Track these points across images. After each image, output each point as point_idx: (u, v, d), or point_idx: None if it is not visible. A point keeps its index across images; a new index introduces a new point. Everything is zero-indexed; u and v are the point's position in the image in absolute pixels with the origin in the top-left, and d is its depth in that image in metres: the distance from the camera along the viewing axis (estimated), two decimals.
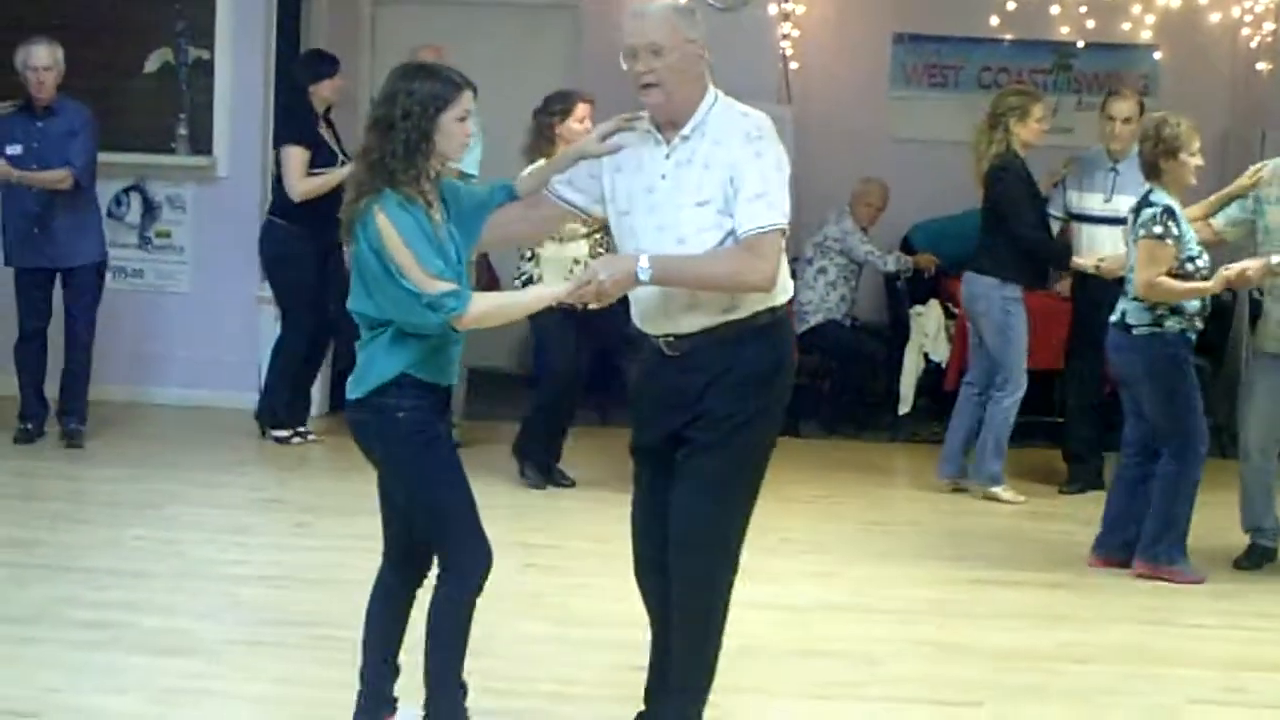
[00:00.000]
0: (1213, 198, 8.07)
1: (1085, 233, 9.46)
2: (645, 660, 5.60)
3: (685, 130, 5.09)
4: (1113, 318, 7.79)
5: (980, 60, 12.24)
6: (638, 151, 5.17)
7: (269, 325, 10.31)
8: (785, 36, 11.56)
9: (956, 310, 10.73)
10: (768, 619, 6.69)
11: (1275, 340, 7.91)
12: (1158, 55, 11.42)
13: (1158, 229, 7.46)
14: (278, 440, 9.81)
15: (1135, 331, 7.65)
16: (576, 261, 8.42)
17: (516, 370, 11.93)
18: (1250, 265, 7.62)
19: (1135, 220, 7.66)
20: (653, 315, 5.13)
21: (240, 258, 10.42)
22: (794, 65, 11.82)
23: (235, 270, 10.49)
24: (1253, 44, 10.74)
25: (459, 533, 5.13)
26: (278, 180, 9.68)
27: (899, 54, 12.26)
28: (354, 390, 5.07)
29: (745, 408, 5.11)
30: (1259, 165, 8.09)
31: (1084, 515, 8.86)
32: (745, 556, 5.30)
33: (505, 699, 5.77)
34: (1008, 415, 9.27)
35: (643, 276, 4.91)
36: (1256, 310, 8.11)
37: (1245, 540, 8.14)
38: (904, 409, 10.89)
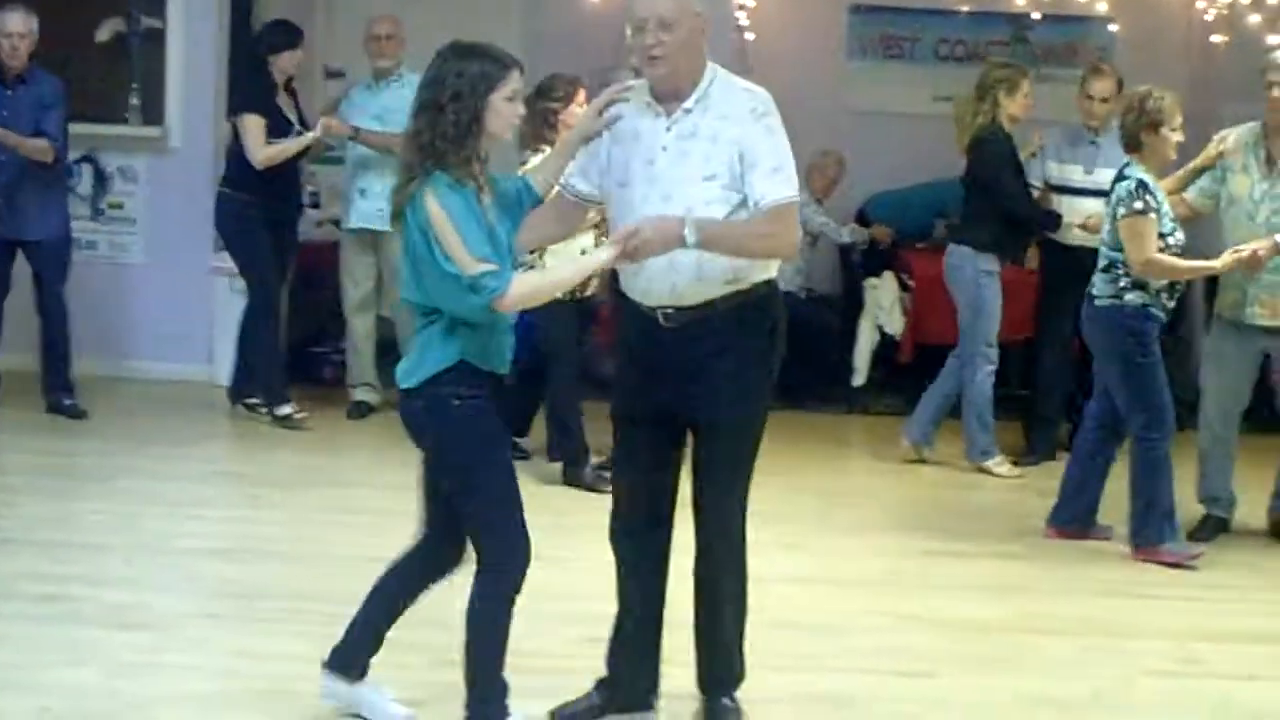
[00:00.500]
0: (1181, 172, 8.07)
1: (1065, 203, 9.45)
2: (602, 631, 5.66)
3: (688, 104, 5.11)
4: (1089, 289, 7.79)
5: (936, 32, 12.24)
6: (634, 123, 5.18)
7: (224, 296, 10.29)
8: (741, 7, 11.52)
9: (911, 283, 10.75)
10: None
11: (1235, 306, 7.94)
12: (1114, 27, 11.43)
13: (1137, 204, 7.44)
14: (249, 409, 9.71)
15: (1097, 303, 7.66)
16: (583, 252, 8.38)
17: None
18: (1260, 245, 7.61)
19: (1112, 191, 7.67)
20: (656, 287, 5.13)
21: (193, 229, 10.36)
22: (750, 36, 11.79)
23: (188, 241, 10.41)
24: (1208, 16, 10.75)
25: (501, 528, 5.14)
26: (232, 151, 9.58)
27: (855, 25, 12.25)
28: (407, 380, 5.03)
29: (751, 380, 5.22)
30: (1222, 134, 8.10)
31: (1040, 486, 8.90)
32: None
33: (462, 672, 5.75)
34: (982, 388, 9.29)
35: (690, 239, 4.92)
36: (1213, 277, 8.15)
37: (1201, 511, 8.19)
38: (858, 381, 10.90)
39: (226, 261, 10.18)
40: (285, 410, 9.54)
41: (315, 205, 10.99)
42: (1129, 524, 7.78)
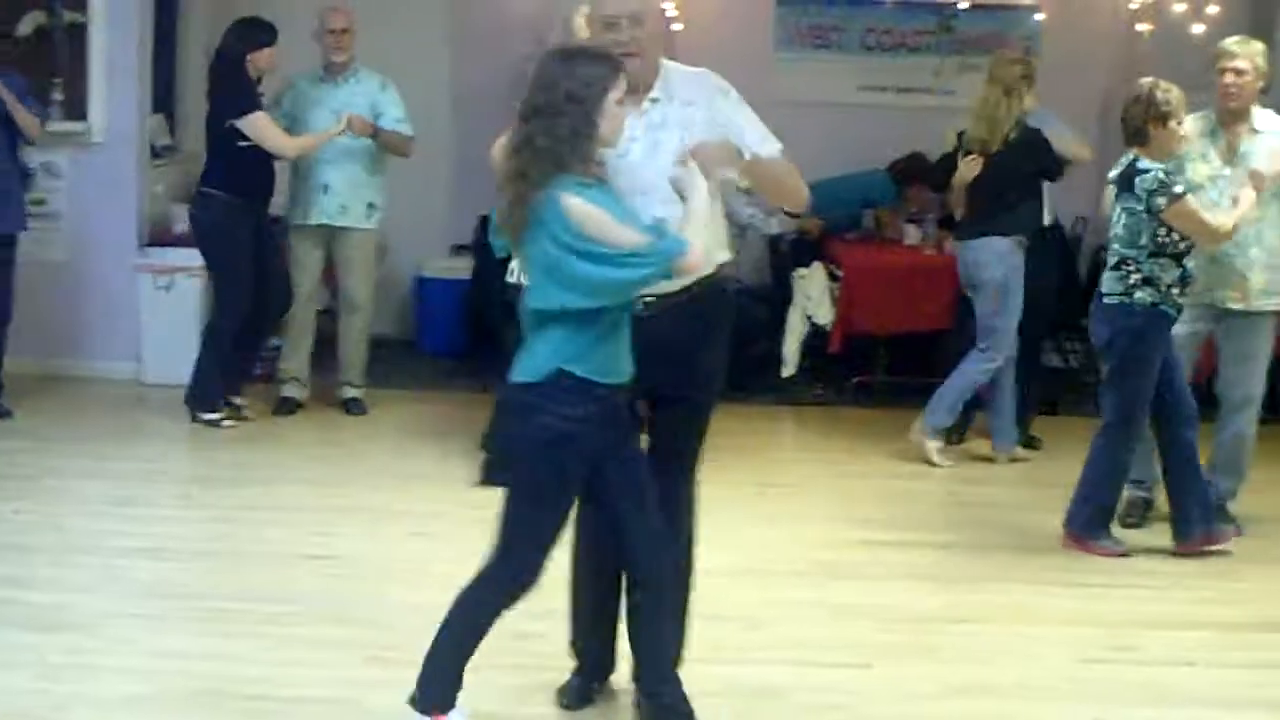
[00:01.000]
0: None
1: None
2: (538, 628, 5.72)
3: (655, 94, 5.18)
4: (1102, 290, 7.69)
5: (864, 22, 12.24)
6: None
7: (149, 294, 10.18)
8: None
9: (840, 273, 10.76)
10: None
11: (1202, 290, 7.95)
12: (1039, 16, 11.47)
13: (1176, 188, 7.38)
14: (208, 424, 9.47)
15: (1106, 300, 7.59)
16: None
17: (399, 336, 11.85)
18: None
19: (1128, 188, 7.52)
20: None
21: (118, 225, 10.28)
22: (678, 27, 11.77)
23: (113, 238, 10.31)
24: (1133, 5, 10.80)
25: (520, 545, 5.12)
26: (215, 153, 9.42)
27: (782, 15, 12.24)
28: (515, 376, 4.99)
29: (722, 361, 5.45)
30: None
31: (969, 475, 8.95)
32: None
33: (398, 669, 5.72)
34: (979, 378, 9.30)
35: (745, 154, 5.20)
36: None
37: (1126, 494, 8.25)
38: (788, 372, 10.90)
39: (152, 258, 10.10)
40: (210, 417, 9.45)
41: None
42: (1069, 508, 7.80)
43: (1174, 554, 7.69)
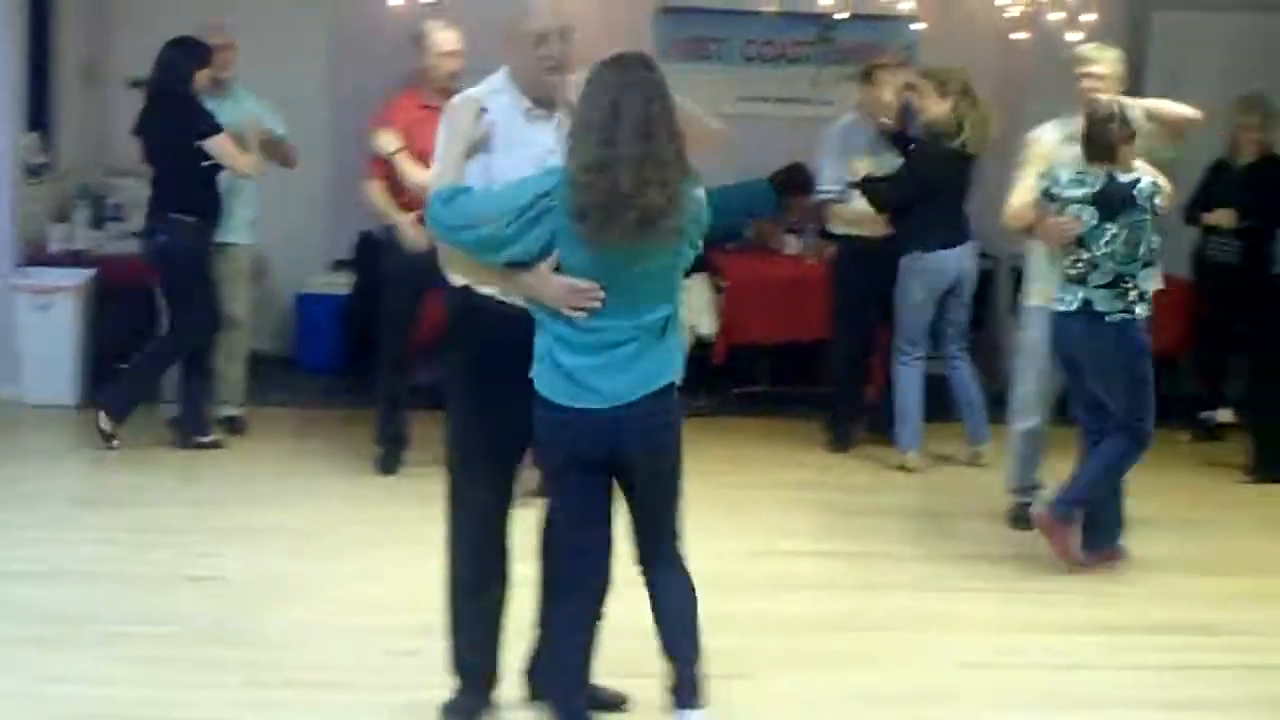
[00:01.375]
0: (1029, 183, 8.04)
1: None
2: (417, 644, 5.80)
3: (561, 111, 5.21)
4: (1069, 307, 7.62)
5: (744, 33, 12.25)
6: (515, 131, 5.24)
7: (26, 314, 10.03)
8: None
9: (724, 284, 10.77)
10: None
11: (1041, 294, 8.03)
12: (918, 26, 11.52)
13: (1167, 190, 7.53)
14: (202, 447, 9.31)
15: (1108, 319, 7.49)
16: None
17: (277, 353, 11.74)
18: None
19: (1124, 205, 7.46)
20: None
21: None
22: None
23: None
24: (1011, 14, 10.87)
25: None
26: (175, 178, 9.24)
27: (663, 27, 12.22)
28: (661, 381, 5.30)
29: None
30: (1035, 135, 8.17)
31: (851, 484, 9.01)
32: (517, 536, 5.51)
33: (276, 690, 5.70)
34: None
35: None
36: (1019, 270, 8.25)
37: (1013, 501, 8.33)
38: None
39: (30, 278, 9.97)
40: (110, 429, 9.32)
41: (118, 219, 10.78)
42: (1063, 493, 7.76)
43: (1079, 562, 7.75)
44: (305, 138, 9.81)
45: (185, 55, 9.24)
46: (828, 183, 9.68)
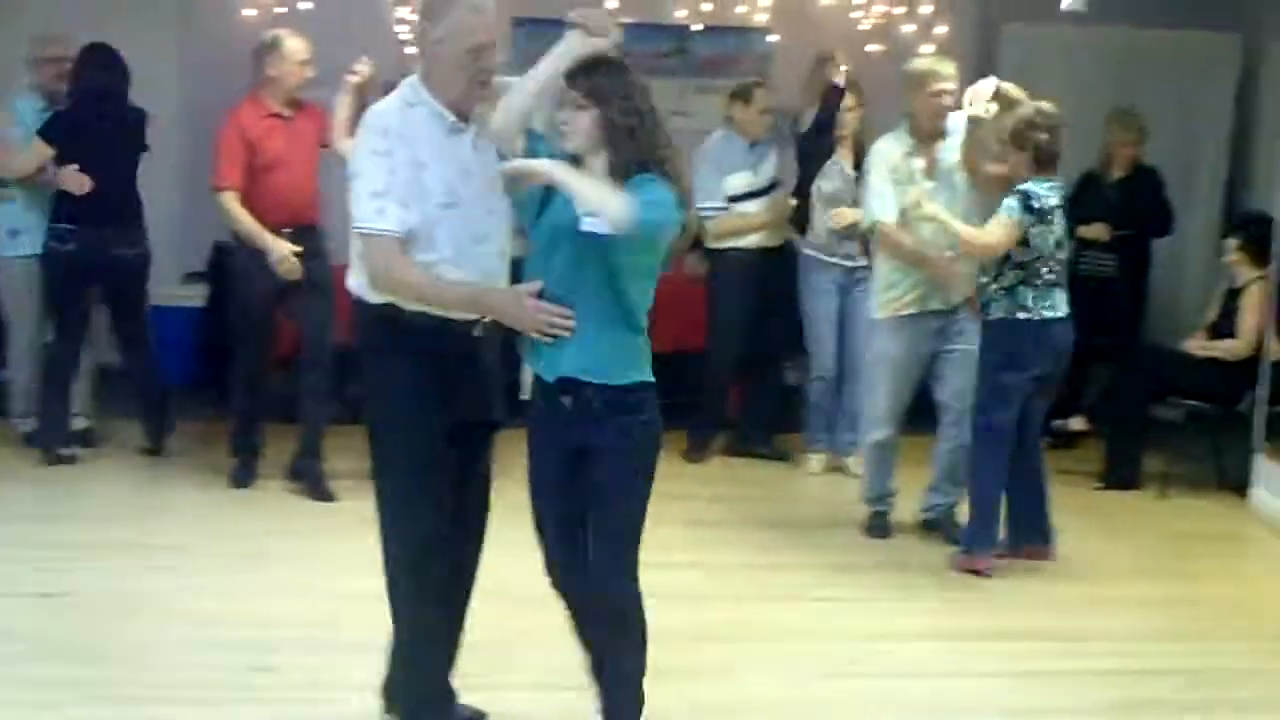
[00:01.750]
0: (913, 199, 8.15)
1: (739, 209, 9.81)
2: (277, 660, 5.81)
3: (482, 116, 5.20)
4: (1060, 311, 7.72)
5: None
6: (438, 142, 5.16)
7: None
8: (402, 20, 11.44)
9: None
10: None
11: (888, 306, 8.10)
12: (773, 38, 11.58)
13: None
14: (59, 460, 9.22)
15: (1068, 317, 7.76)
16: None
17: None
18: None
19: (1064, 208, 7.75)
20: None
21: None
22: (411, 50, 11.70)
23: None
24: (863, 26, 10.94)
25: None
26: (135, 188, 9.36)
27: (520, 39, 12.16)
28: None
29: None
30: (881, 149, 8.24)
31: (710, 493, 9.02)
32: None
33: (131, 707, 5.63)
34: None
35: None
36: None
37: (866, 510, 8.41)
38: (526, 395, 10.87)
39: None
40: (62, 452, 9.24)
41: None
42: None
43: (957, 568, 7.84)
44: (156, 148, 9.66)
45: (122, 69, 9.32)
46: (704, 199, 9.67)
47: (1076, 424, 10.62)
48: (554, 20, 11.70)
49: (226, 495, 8.69)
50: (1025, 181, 7.57)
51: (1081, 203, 10.30)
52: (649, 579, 7.50)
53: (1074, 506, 8.85)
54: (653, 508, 8.58)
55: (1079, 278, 10.19)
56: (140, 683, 5.92)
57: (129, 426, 9.59)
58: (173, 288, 11.42)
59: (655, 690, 6.05)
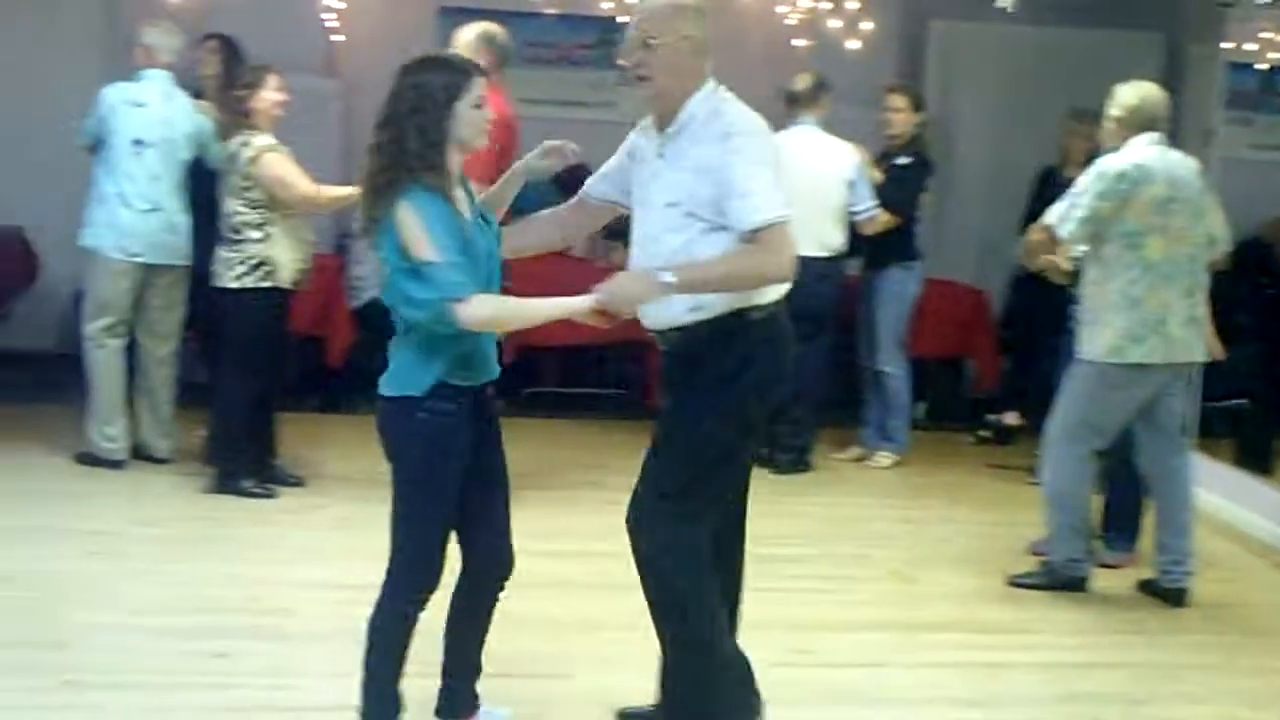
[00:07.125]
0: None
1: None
2: (225, 646, 5.92)
3: (672, 128, 5.14)
4: None
5: (526, 35, 12.25)
6: (639, 142, 5.30)
7: None
8: (329, 9, 11.42)
9: (509, 285, 10.75)
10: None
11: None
12: None
13: None
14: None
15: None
16: None
17: (60, 350, 11.50)
18: None
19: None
20: (644, 311, 5.19)
21: None
22: (339, 39, 11.70)
23: None
24: (789, 21, 11.01)
25: (410, 546, 5.05)
26: None
27: (445, 28, 12.15)
28: (386, 388, 4.98)
29: (690, 411, 5.26)
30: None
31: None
32: None
33: (85, 692, 5.62)
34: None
35: (668, 279, 4.93)
36: None
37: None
38: None
39: None
40: None
41: None
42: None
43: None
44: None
45: None
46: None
47: (1010, 419, 10.78)
48: (478, 10, 11.84)
49: (159, 479, 8.69)
50: None
51: (1041, 196, 10.41)
52: (585, 568, 7.57)
53: (1011, 500, 8.96)
54: (572, 496, 8.67)
55: (1030, 272, 10.36)
56: (99, 669, 5.92)
57: (59, 411, 9.53)
58: None
59: (604, 679, 6.11)
